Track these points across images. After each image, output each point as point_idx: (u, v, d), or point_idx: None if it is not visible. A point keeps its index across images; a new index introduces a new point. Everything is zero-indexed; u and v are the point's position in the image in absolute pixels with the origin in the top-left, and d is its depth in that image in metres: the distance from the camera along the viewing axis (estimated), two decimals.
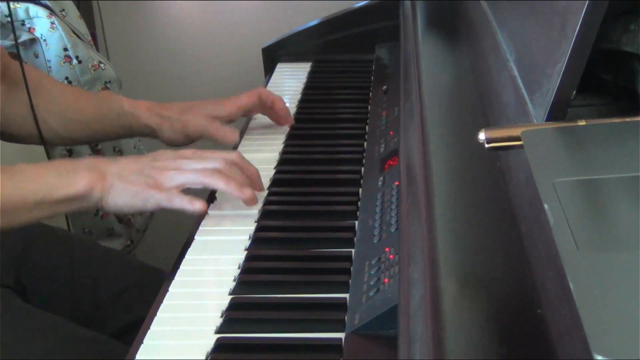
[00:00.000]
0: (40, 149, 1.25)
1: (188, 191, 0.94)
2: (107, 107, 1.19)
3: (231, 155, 0.97)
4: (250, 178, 0.98)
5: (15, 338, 0.95)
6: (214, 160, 0.95)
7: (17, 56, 1.21)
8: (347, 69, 1.51)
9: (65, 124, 1.20)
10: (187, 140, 1.19)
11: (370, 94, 1.34)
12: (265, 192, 1.03)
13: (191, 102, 1.20)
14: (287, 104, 1.34)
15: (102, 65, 1.75)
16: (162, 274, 1.12)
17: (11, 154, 1.46)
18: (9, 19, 1.64)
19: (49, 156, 1.29)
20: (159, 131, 1.18)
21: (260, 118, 1.31)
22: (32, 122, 1.16)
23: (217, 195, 1.04)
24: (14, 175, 0.91)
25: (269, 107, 1.24)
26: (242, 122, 1.29)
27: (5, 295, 1.04)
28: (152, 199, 0.91)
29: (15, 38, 1.40)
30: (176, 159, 0.95)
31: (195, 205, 0.92)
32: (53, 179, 0.92)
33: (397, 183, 0.90)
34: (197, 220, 0.97)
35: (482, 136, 0.53)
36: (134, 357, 0.73)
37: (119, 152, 1.83)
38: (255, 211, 0.98)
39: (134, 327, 0.82)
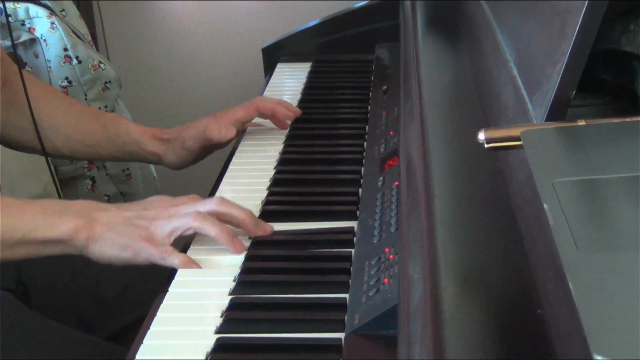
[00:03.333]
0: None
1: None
2: (114, 132, 1.18)
3: (220, 200, 0.92)
4: (243, 224, 0.91)
5: (15, 342, 0.95)
6: (206, 203, 0.91)
7: (15, 57, 1.21)
8: (347, 69, 1.51)
9: (69, 144, 1.19)
10: (190, 156, 1.18)
11: (370, 94, 1.34)
12: (265, 192, 1.03)
13: (189, 122, 1.19)
14: None
15: (102, 65, 1.75)
16: (163, 271, 1.12)
17: (11, 158, 1.46)
18: (8, 18, 1.65)
19: (49, 165, 1.28)
20: (163, 157, 1.18)
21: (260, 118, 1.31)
22: (33, 133, 1.15)
23: (217, 194, 1.04)
24: None
25: (270, 116, 1.23)
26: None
27: (5, 298, 1.03)
28: (143, 253, 0.86)
29: (12, 38, 1.39)
30: (168, 207, 0.90)
31: (191, 266, 0.87)
32: (37, 218, 0.88)
33: (397, 183, 0.90)
34: None
35: (481, 136, 0.53)
36: (134, 357, 0.73)
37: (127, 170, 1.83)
38: (255, 211, 0.98)
39: (135, 327, 0.81)
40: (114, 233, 0.87)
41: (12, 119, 1.15)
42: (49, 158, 1.25)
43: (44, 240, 0.88)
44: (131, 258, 0.87)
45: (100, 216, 0.88)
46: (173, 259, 0.87)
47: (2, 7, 1.55)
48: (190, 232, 0.89)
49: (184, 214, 0.89)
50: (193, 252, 0.90)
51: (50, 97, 1.20)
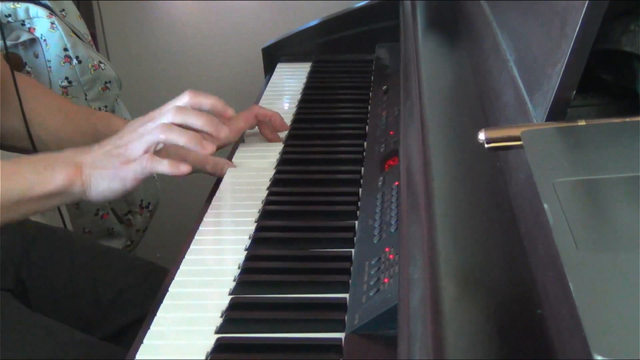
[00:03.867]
0: None
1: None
2: (105, 132, 1.17)
3: (184, 99, 0.95)
4: (213, 111, 0.96)
5: (14, 342, 0.95)
6: (168, 113, 0.93)
7: (16, 57, 1.21)
8: (347, 69, 1.51)
9: (60, 143, 1.18)
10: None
11: (370, 94, 1.34)
12: (265, 192, 1.03)
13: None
14: (287, 104, 1.34)
15: (102, 65, 1.75)
16: (163, 271, 1.12)
17: (6, 157, 1.45)
18: (8, 19, 1.65)
19: None
20: None
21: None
22: (24, 133, 1.15)
23: (217, 195, 1.04)
24: None
25: (267, 122, 1.22)
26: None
27: (4, 298, 1.03)
28: (129, 175, 0.90)
29: (4, 38, 1.39)
30: (138, 127, 0.94)
31: (181, 167, 0.90)
32: (30, 176, 0.90)
33: (397, 183, 0.90)
34: (197, 220, 0.97)
35: (482, 136, 0.53)
36: (134, 357, 0.73)
37: None
38: (255, 211, 0.98)
39: (135, 327, 0.82)
40: (99, 169, 0.91)
41: (5, 121, 1.15)
42: None
43: (42, 195, 0.91)
44: (122, 186, 0.91)
45: (85, 159, 0.92)
46: (158, 165, 0.90)
47: (5, 7, 1.56)
48: (160, 145, 0.93)
49: (150, 130, 0.92)
50: (193, 252, 0.90)
51: (42, 96, 1.20)
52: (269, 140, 1.22)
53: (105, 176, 0.91)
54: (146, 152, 0.91)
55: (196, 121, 0.93)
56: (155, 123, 0.93)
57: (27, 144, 1.16)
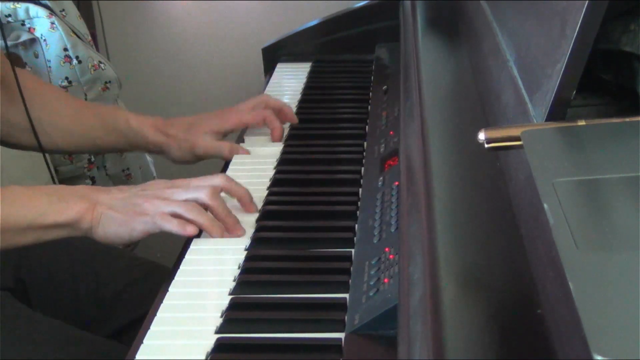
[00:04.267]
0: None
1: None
2: (113, 124, 1.19)
3: (218, 181, 0.95)
4: (240, 201, 0.96)
5: (14, 341, 0.95)
6: (201, 190, 0.93)
7: (16, 57, 1.21)
8: (347, 69, 1.51)
9: (68, 139, 1.19)
10: (196, 160, 1.19)
11: (370, 94, 1.33)
12: (265, 192, 1.03)
13: (195, 117, 1.20)
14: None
15: (102, 65, 1.75)
16: (163, 270, 1.13)
17: (10, 158, 1.46)
18: (8, 19, 1.65)
19: (48, 165, 1.29)
20: (166, 150, 1.19)
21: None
22: (31, 131, 1.16)
23: None
24: (5, 199, 0.90)
25: (277, 112, 1.22)
26: None
27: (4, 298, 1.03)
28: (139, 226, 0.90)
29: (4, 37, 1.39)
30: (165, 189, 0.93)
31: (187, 229, 0.90)
32: (44, 204, 0.91)
33: (397, 183, 0.90)
34: None
35: (481, 136, 0.53)
36: (134, 357, 0.73)
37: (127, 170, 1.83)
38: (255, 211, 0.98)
39: (135, 326, 0.82)
40: (113, 211, 0.91)
41: (11, 118, 1.15)
42: (49, 159, 1.25)
43: (51, 225, 0.91)
44: (129, 234, 0.91)
45: (101, 198, 0.92)
46: (167, 223, 0.89)
47: (4, 7, 1.56)
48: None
49: (179, 201, 0.91)
50: (193, 252, 0.90)
51: (48, 93, 1.21)
52: (273, 130, 1.21)
53: (116, 220, 0.90)
54: (162, 213, 0.91)
55: (223, 215, 0.93)
56: (188, 194, 0.92)
57: (32, 139, 1.16)
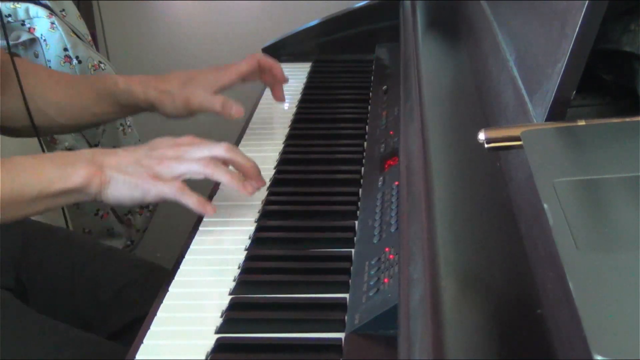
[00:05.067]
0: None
1: (189, 183, 0.93)
2: (103, 88, 1.18)
3: (229, 146, 0.95)
4: (248, 173, 0.95)
5: (14, 341, 0.95)
6: (215, 148, 0.93)
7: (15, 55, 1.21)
8: (347, 69, 1.51)
9: (64, 112, 1.19)
10: (189, 114, 1.18)
11: (370, 94, 1.34)
12: (266, 192, 1.03)
13: (191, 71, 1.19)
14: (287, 104, 1.34)
15: (102, 65, 1.75)
16: (163, 270, 1.12)
17: (8, 145, 1.46)
18: (8, 19, 1.65)
19: (44, 149, 1.29)
20: (159, 106, 1.17)
21: (260, 116, 1.31)
22: (26, 114, 1.15)
23: (217, 194, 1.04)
24: (10, 169, 0.89)
25: (268, 69, 1.24)
26: (242, 122, 1.29)
27: (4, 298, 1.03)
28: (154, 190, 0.89)
29: (6, 36, 1.39)
30: (174, 147, 0.93)
31: (207, 208, 0.90)
32: (50, 172, 0.90)
33: (397, 183, 0.90)
34: (197, 220, 0.97)
35: (481, 136, 0.53)
36: (134, 357, 0.73)
37: None
38: (255, 211, 0.98)
39: (135, 326, 0.82)
40: (123, 174, 0.90)
41: (6, 104, 1.15)
42: (43, 150, 1.25)
43: (60, 191, 0.90)
44: (142, 197, 0.90)
45: (109, 160, 0.91)
46: (188, 198, 0.89)
47: (4, 7, 1.56)
48: (200, 177, 0.92)
49: (195, 159, 0.91)
50: (193, 252, 0.90)
51: (40, 71, 1.21)
52: (270, 86, 1.26)
53: (128, 183, 0.90)
54: (180, 177, 0.90)
55: (245, 162, 0.93)
56: (202, 152, 0.92)
57: (27, 123, 1.16)
